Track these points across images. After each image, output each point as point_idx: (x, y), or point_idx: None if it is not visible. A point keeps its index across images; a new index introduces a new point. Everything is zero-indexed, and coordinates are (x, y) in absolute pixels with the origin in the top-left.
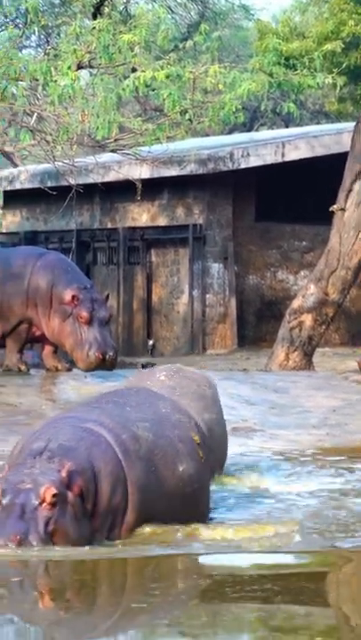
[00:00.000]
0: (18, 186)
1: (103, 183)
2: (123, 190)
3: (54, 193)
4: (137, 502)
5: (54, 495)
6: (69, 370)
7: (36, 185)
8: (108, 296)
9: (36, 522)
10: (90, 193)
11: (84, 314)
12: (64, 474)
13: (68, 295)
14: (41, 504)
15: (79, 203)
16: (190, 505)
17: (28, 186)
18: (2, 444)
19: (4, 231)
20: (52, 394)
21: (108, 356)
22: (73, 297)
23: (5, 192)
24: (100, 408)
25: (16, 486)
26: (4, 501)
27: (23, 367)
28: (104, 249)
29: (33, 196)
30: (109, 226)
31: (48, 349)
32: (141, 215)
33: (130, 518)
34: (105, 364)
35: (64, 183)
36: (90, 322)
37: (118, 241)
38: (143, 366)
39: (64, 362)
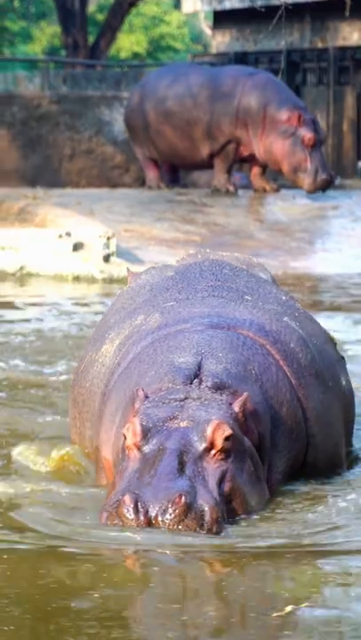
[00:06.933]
0: (228, 6)
1: (314, 1)
2: (333, 9)
3: (263, 10)
4: (319, 441)
5: (228, 438)
6: (277, 190)
7: (245, 4)
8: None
9: (203, 477)
10: (300, 12)
11: (311, 135)
12: (239, 409)
13: (286, 115)
14: (209, 450)
15: (289, 22)
16: (348, 430)
17: (237, 5)
18: None
19: (213, 52)
20: (260, 215)
21: (333, 178)
22: (299, 117)
23: (215, 12)
24: (237, 300)
25: (164, 424)
26: (148, 447)
27: (231, 188)
28: (314, 69)
29: (243, 15)
30: (319, 46)
31: (256, 170)
32: (352, 34)
33: (311, 459)
34: (328, 186)
35: (274, 2)
36: (315, 144)
37: (328, 61)
38: None
39: (272, 183)
